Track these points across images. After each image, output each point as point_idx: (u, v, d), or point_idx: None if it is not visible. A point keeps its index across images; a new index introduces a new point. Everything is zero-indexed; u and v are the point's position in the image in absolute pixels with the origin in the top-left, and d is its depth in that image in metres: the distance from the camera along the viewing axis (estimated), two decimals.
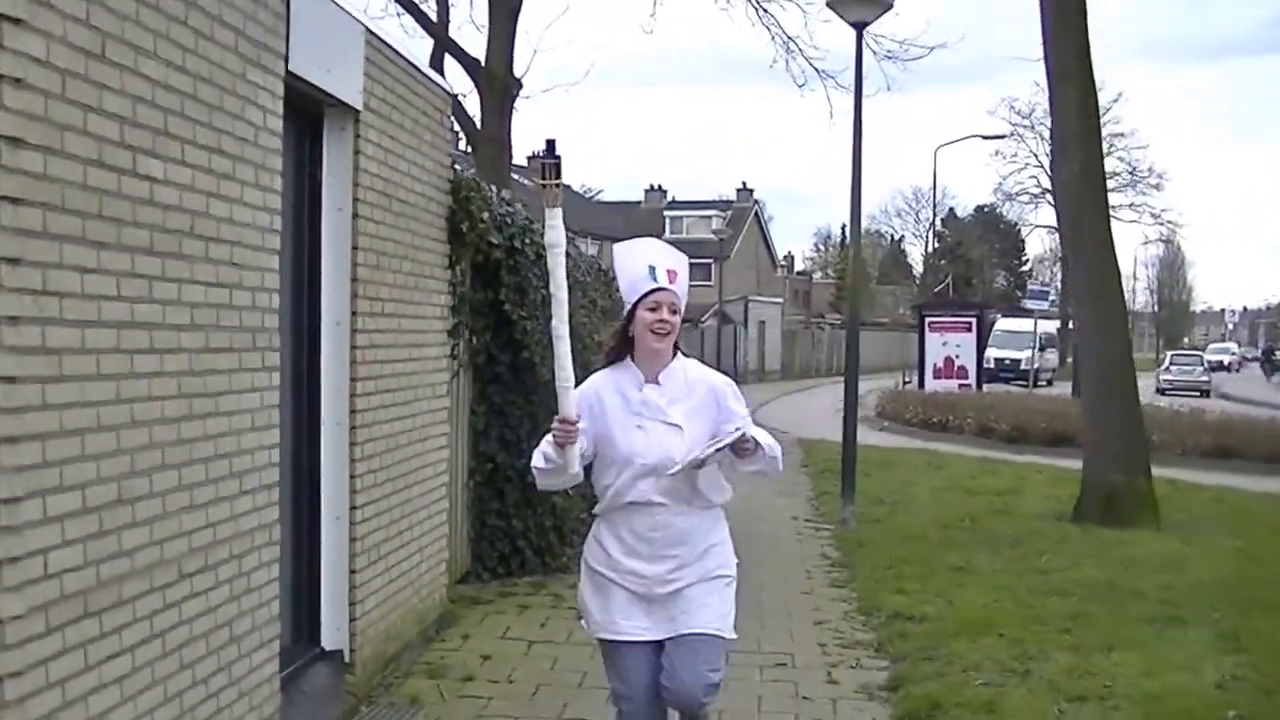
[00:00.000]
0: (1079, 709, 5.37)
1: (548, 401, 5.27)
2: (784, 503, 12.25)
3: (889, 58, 18.28)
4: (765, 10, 18.24)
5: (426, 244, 6.55)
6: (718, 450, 3.78)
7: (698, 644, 3.89)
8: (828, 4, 11.36)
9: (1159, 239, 76.70)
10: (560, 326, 3.79)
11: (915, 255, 79.85)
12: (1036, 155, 52.25)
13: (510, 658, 6.36)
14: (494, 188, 7.98)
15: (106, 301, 3.41)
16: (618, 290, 4.16)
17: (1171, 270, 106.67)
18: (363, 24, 5.47)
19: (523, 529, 8.19)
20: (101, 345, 3.40)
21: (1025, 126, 56.84)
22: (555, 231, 3.78)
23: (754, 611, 6.98)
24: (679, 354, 4.01)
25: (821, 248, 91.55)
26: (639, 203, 68.43)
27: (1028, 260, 79.55)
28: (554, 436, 3.77)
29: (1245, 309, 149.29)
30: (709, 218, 63.90)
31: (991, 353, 45.80)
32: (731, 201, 68.93)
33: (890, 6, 11.17)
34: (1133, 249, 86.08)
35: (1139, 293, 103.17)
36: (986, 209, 75.41)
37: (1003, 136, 48.83)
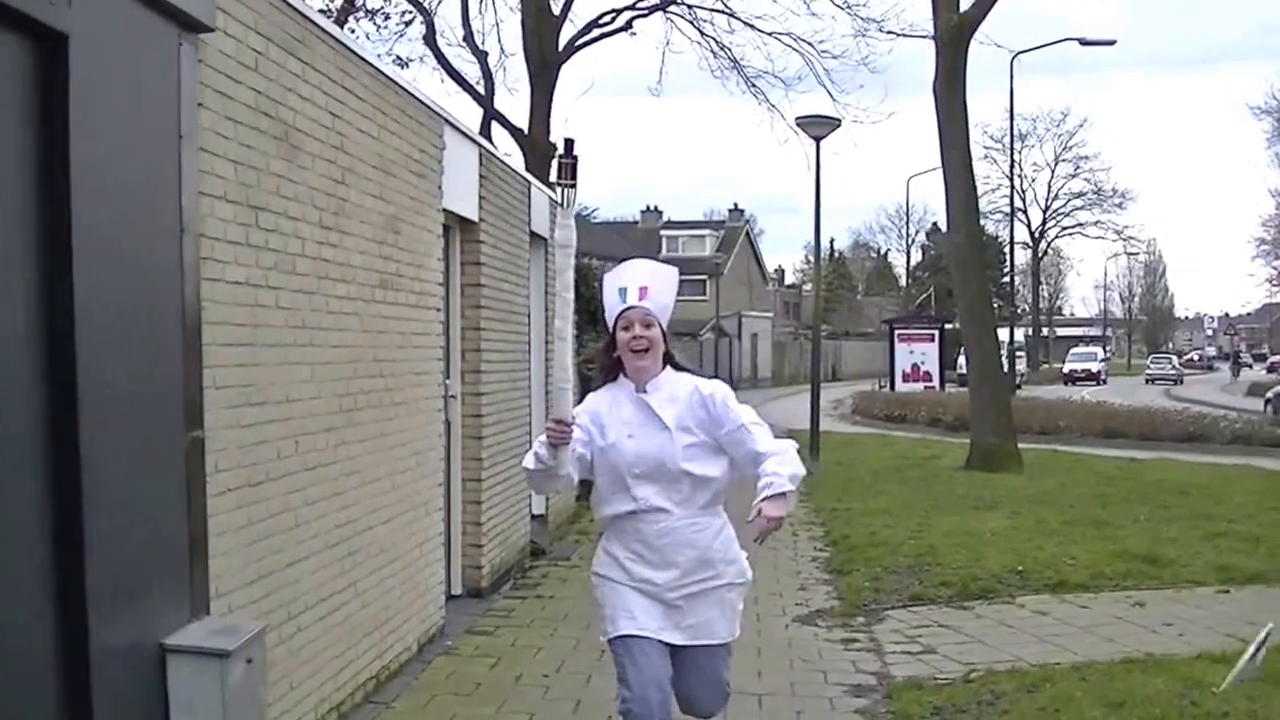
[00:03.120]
0: (914, 533, 10.68)
1: None
2: None
3: (855, 121, 23.74)
4: (754, 84, 23.40)
5: None
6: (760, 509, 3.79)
7: (709, 665, 4.04)
8: (796, 123, 16.71)
9: (1124, 253, 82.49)
10: (565, 327, 3.81)
11: (901, 268, 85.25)
12: (1009, 177, 57.31)
13: None
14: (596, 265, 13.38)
15: (505, 339, 8.78)
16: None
17: (1153, 278, 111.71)
18: (548, 195, 10.78)
19: None
20: (512, 360, 8.76)
21: (997, 150, 62.05)
22: (566, 231, 3.72)
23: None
24: (669, 368, 4.03)
25: (812, 259, 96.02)
26: (635, 222, 72.47)
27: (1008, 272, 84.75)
28: (548, 436, 3.79)
29: (1226, 315, 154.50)
30: (703, 237, 68.42)
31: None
32: (724, 221, 72.90)
33: (839, 126, 16.53)
34: (1102, 262, 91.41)
35: (1115, 301, 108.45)
36: None
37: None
